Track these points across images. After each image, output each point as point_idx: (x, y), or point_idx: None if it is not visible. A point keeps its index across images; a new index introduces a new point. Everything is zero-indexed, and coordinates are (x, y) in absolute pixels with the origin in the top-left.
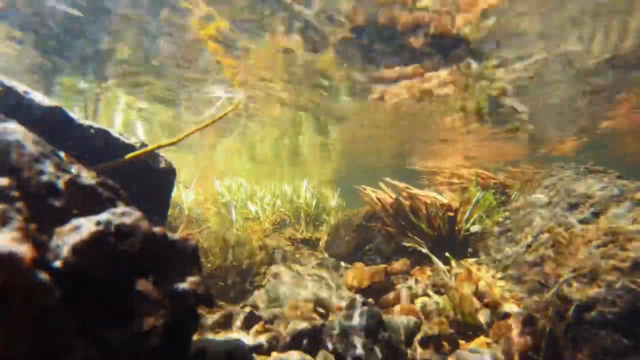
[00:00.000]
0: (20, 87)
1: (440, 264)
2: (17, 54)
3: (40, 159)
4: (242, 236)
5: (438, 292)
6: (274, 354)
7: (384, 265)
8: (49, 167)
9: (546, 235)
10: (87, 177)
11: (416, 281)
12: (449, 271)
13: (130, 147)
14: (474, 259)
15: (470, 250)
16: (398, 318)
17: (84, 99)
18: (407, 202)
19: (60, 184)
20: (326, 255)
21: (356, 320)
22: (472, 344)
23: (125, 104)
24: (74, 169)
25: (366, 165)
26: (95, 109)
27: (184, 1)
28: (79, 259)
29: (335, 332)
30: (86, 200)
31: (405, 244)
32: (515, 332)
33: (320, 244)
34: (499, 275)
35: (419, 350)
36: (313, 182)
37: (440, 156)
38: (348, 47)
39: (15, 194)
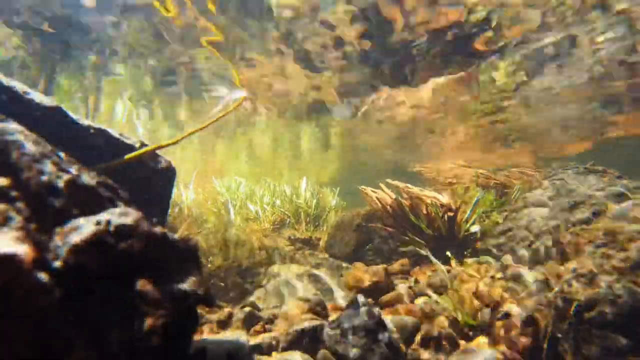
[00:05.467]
0: (20, 87)
1: (439, 264)
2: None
3: (40, 159)
4: (242, 236)
5: (438, 292)
6: (274, 354)
7: (384, 265)
8: (49, 167)
9: (546, 235)
10: (87, 177)
11: (416, 281)
12: (449, 271)
13: (130, 147)
14: (474, 259)
15: (470, 250)
16: (398, 318)
17: (85, 89)
18: (407, 202)
19: (60, 184)
20: (326, 255)
21: (356, 320)
22: (472, 344)
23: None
24: (74, 169)
25: (366, 166)
26: (97, 99)
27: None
28: (79, 259)
29: (335, 332)
30: (86, 200)
31: (403, 249)
32: (515, 332)
33: (320, 244)
34: (499, 275)
35: (419, 350)
36: (312, 182)
37: (440, 158)
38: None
39: (15, 194)
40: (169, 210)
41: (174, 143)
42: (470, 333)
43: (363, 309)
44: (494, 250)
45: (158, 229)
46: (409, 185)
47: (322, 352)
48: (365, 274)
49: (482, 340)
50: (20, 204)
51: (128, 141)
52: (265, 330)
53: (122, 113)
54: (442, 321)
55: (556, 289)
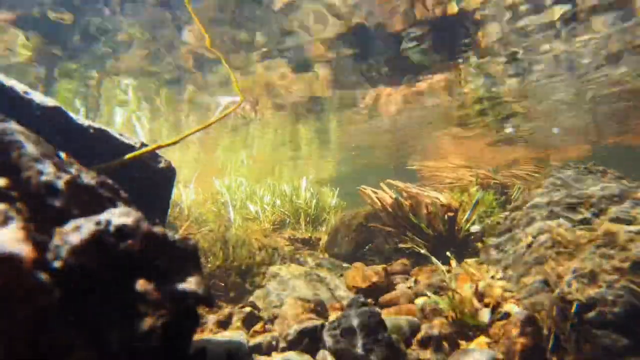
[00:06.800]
0: (20, 87)
1: (439, 264)
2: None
3: (40, 159)
4: (241, 236)
5: (438, 292)
6: (274, 354)
7: (384, 265)
8: (49, 167)
9: (546, 235)
10: (87, 177)
11: (416, 281)
12: (448, 271)
13: (130, 147)
14: (474, 259)
15: (470, 250)
16: (398, 318)
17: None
18: (407, 202)
19: (60, 184)
20: (326, 255)
21: (356, 320)
22: (472, 344)
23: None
24: (74, 169)
25: (366, 165)
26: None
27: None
28: (79, 259)
29: (335, 332)
30: (86, 201)
31: (403, 245)
32: (515, 332)
33: (320, 244)
34: (499, 275)
35: (419, 350)
36: (312, 182)
37: (440, 157)
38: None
39: (15, 194)
40: (169, 210)
41: (173, 143)
42: (470, 333)
43: (363, 309)
44: (494, 250)
45: (158, 229)
46: (410, 185)
47: (322, 352)
48: (365, 274)
49: (482, 340)
50: (20, 204)
51: (128, 141)
52: (265, 330)
53: (122, 115)
54: (442, 321)
55: (556, 289)
